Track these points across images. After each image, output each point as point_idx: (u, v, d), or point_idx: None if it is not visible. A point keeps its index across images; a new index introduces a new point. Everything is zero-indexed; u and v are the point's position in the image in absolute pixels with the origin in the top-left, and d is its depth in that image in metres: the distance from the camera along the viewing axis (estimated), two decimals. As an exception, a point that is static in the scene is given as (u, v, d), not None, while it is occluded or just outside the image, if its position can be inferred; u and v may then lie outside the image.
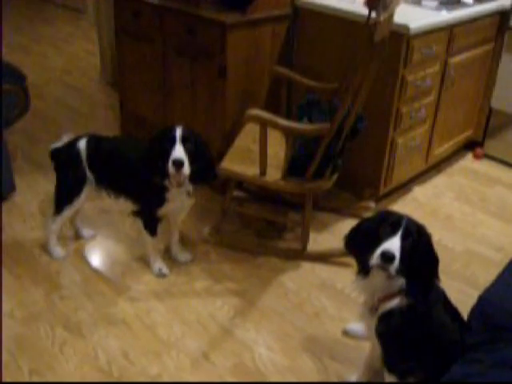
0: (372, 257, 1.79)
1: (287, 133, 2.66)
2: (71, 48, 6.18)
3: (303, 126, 2.71)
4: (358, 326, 2.47)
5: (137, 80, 3.77)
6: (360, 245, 1.90)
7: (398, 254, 1.76)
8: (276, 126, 2.61)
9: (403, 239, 1.79)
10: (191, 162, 2.42)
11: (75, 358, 2.36)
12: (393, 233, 1.80)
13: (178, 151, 2.38)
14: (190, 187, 2.60)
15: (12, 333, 2.47)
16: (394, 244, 1.77)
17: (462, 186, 3.76)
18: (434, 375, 1.83)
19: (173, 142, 2.39)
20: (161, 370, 2.31)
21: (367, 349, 2.24)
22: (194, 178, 2.50)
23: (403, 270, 1.80)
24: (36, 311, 2.59)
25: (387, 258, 1.75)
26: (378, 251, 1.77)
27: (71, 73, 5.47)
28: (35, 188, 3.48)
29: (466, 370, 1.70)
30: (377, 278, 1.88)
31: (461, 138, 3.94)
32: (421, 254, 1.81)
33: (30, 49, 6.07)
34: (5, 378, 2.25)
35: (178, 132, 2.40)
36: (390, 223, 1.83)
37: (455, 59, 3.40)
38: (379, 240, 1.80)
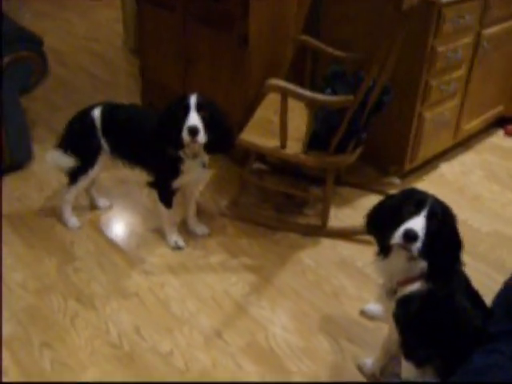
0: (394, 236, 1.70)
1: (309, 104, 2.56)
2: (96, 15, 6.10)
3: (326, 98, 2.59)
4: (376, 307, 2.39)
5: (158, 48, 3.69)
6: (382, 223, 1.81)
7: (421, 233, 1.66)
8: (297, 96, 2.51)
9: (428, 219, 1.69)
10: (207, 131, 2.34)
11: (86, 332, 2.32)
12: (417, 212, 1.70)
13: (193, 118, 2.30)
14: (205, 158, 2.53)
15: (24, 304, 2.44)
16: (417, 223, 1.68)
17: (492, 164, 3.62)
18: (453, 363, 1.75)
19: (187, 110, 2.31)
20: (172, 347, 2.26)
21: (385, 331, 2.15)
22: (209, 147, 2.43)
23: (425, 253, 1.70)
24: (49, 282, 2.56)
25: (410, 236, 1.66)
26: (401, 230, 1.68)
27: (95, 40, 5.41)
28: (54, 156, 3.42)
29: (485, 360, 1.61)
30: (397, 259, 1.79)
31: (492, 113, 3.79)
32: (445, 236, 1.71)
33: (55, 15, 6.00)
34: (15, 350, 2.22)
35: (193, 99, 2.32)
36: (414, 202, 1.73)
37: (489, 30, 3.24)
38: (402, 219, 1.71)
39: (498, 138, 3.93)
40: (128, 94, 4.27)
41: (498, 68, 3.55)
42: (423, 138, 3.21)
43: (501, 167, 3.58)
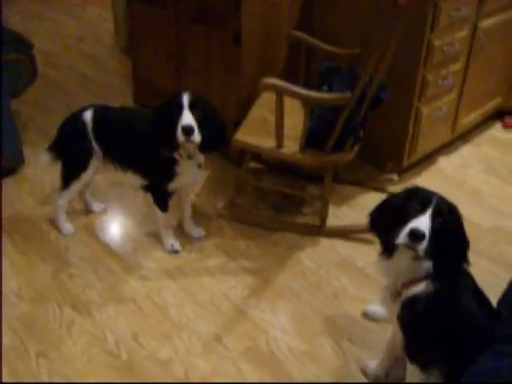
0: (398, 235, 1.65)
1: (305, 102, 2.51)
2: (85, 14, 6.00)
3: (322, 95, 2.54)
4: (378, 308, 2.34)
5: (149, 47, 3.64)
6: (386, 222, 1.76)
7: (427, 232, 1.62)
8: (293, 94, 2.46)
9: (433, 218, 1.65)
10: (201, 130, 2.29)
11: (83, 340, 2.27)
12: (422, 210, 1.66)
13: (187, 117, 2.26)
14: (201, 158, 2.49)
15: (19, 313, 2.39)
16: (423, 222, 1.64)
17: (491, 158, 3.57)
18: (459, 366, 1.70)
19: (180, 109, 2.27)
20: (171, 354, 2.21)
21: (388, 332, 2.11)
22: (203, 146, 2.37)
23: (431, 252, 1.65)
24: (44, 290, 2.50)
25: (416, 236, 1.61)
26: (407, 229, 1.64)
27: (85, 40, 5.32)
28: (46, 160, 3.36)
29: (492, 363, 1.56)
30: (402, 259, 1.75)
31: (489, 106, 3.74)
32: (451, 235, 1.68)
33: (43, 15, 5.90)
34: (11, 361, 2.17)
35: (186, 98, 2.28)
36: (419, 200, 1.69)
37: (485, 23, 3.19)
38: (407, 218, 1.67)
39: (496, 130, 3.88)
40: (120, 94, 4.19)
41: (496, 60, 3.50)
42: (421, 133, 3.16)
43: (499, 160, 3.53)
